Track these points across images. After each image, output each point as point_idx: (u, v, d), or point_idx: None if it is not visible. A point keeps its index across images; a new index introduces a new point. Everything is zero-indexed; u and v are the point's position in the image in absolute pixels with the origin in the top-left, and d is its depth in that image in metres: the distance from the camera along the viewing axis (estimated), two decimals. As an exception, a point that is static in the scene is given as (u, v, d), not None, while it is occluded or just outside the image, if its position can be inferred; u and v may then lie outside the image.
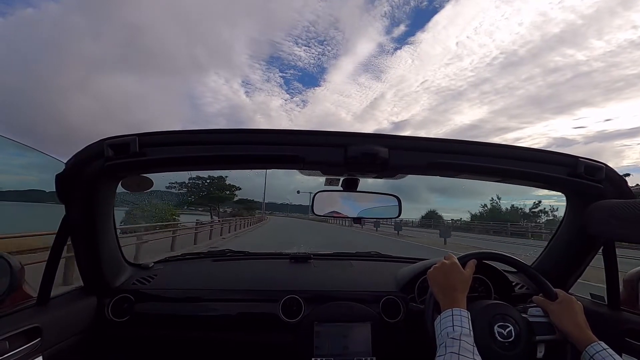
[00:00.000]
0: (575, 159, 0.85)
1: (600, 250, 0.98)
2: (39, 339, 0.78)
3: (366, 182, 1.05)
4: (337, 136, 0.82)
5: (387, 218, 1.23)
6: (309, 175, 0.99)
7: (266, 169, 0.91)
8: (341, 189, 1.09)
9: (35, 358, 0.77)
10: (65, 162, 0.81)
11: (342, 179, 1.06)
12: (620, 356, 0.69)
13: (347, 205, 1.14)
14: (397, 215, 1.15)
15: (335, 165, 0.82)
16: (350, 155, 0.80)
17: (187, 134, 0.82)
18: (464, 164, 0.84)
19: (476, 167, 0.84)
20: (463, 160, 0.84)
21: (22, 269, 0.87)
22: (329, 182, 1.12)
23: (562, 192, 1.01)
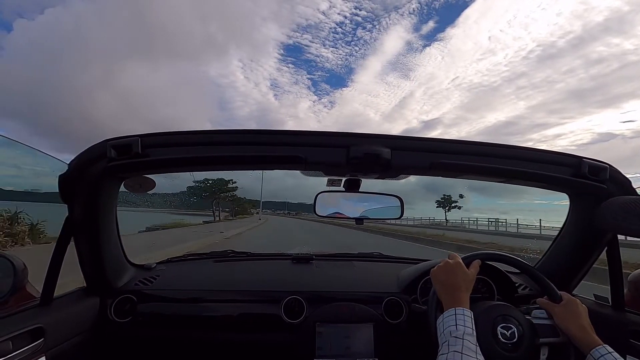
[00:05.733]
0: (579, 159, 0.84)
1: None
2: (42, 339, 0.79)
3: (368, 182, 1.05)
4: (340, 137, 0.82)
5: (389, 219, 1.23)
6: (311, 176, 0.98)
7: (269, 169, 0.91)
8: (343, 189, 1.09)
9: (38, 358, 0.77)
10: (68, 162, 0.81)
11: (344, 179, 1.06)
12: (625, 358, 0.69)
13: (349, 206, 1.14)
14: (399, 215, 1.14)
15: (337, 166, 0.82)
16: (353, 156, 0.79)
17: (189, 134, 0.82)
18: (466, 164, 0.83)
19: (479, 168, 0.84)
20: (465, 161, 0.83)
21: (25, 269, 0.87)
22: (330, 183, 1.12)
23: (566, 193, 1.01)
